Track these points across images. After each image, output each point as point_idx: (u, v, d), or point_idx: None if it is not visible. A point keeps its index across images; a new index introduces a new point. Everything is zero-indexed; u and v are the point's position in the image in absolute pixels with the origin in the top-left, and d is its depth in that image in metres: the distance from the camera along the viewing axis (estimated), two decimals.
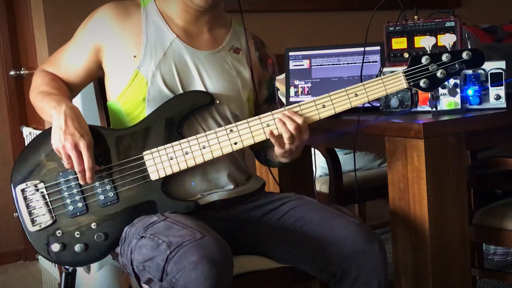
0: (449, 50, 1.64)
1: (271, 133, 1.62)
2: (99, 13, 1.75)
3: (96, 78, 1.85)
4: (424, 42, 1.67)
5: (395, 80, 1.64)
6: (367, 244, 1.59)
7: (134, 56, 1.71)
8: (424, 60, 1.63)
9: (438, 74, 1.63)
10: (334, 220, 1.65)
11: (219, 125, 1.71)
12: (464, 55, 1.62)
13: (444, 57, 1.62)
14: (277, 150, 1.67)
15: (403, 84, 1.63)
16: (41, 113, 1.73)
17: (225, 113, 1.75)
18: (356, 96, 1.64)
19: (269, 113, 1.64)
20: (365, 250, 1.59)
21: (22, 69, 3.51)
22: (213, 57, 1.77)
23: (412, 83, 1.63)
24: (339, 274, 1.62)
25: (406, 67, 1.64)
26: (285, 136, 1.61)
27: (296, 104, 1.64)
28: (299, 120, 1.61)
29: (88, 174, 1.59)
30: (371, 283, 1.60)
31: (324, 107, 1.64)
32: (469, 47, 2.16)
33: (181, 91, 1.71)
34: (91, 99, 1.99)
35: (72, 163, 1.58)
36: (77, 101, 2.34)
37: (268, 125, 1.63)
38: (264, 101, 1.90)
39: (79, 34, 1.77)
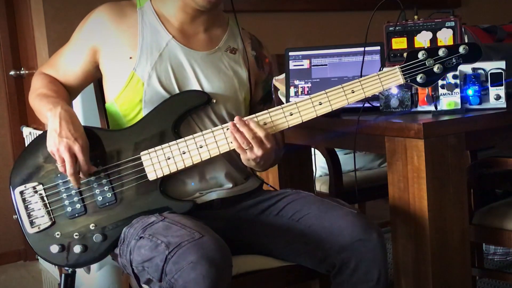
0: (445, 44, 1.63)
1: (234, 137, 1.60)
2: (95, 14, 1.75)
3: (95, 80, 1.85)
4: (421, 37, 1.66)
5: (391, 76, 1.62)
6: (366, 233, 1.59)
7: (130, 58, 1.70)
8: (420, 55, 1.61)
9: (435, 69, 1.61)
10: (332, 211, 1.65)
11: (216, 125, 1.70)
12: (461, 49, 1.61)
13: (441, 52, 1.61)
14: (241, 157, 1.65)
15: (400, 80, 1.62)
16: (39, 115, 1.73)
17: (222, 113, 1.75)
18: (353, 92, 1.63)
19: (266, 111, 1.64)
20: (364, 239, 1.58)
21: (22, 69, 3.51)
22: (209, 58, 1.76)
23: (409, 79, 1.62)
24: (338, 264, 1.62)
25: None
26: (241, 142, 1.59)
27: (293, 102, 1.63)
28: (261, 133, 1.59)
29: (83, 177, 1.59)
30: (371, 272, 1.59)
31: (321, 104, 1.63)
32: None
33: (177, 91, 1.71)
34: (91, 101, 1.99)
35: (65, 166, 1.58)
36: (77, 102, 2.35)
37: (265, 123, 1.63)
38: (258, 101, 1.89)
39: (76, 36, 1.77)
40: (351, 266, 1.60)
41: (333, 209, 1.66)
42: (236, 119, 1.61)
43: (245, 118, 1.63)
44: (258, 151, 1.60)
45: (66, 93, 1.76)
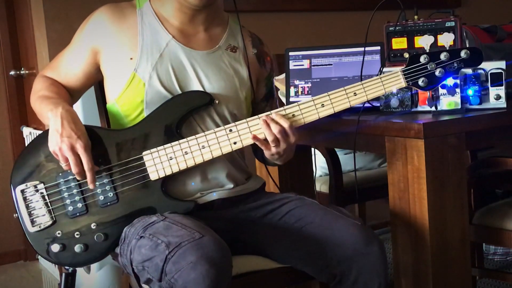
0: (447, 49, 1.64)
1: (255, 137, 1.62)
2: (95, 16, 1.76)
3: (96, 82, 1.85)
4: (423, 41, 1.67)
5: (394, 79, 1.64)
6: (367, 246, 1.59)
7: (131, 58, 1.70)
8: (422, 59, 1.63)
9: (437, 72, 1.63)
10: (335, 222, 1.65)
11: (218, 125, 1.71)
12: (463, 54, 1.62)
13: (443, 56, 1.63)
14: (265, 153, 1.67)
15: (402, 83, 1.63)
16: (40, 117, 1.73)
17: (224, 113, 1.75)
18: (355, 95, 1.64)
19: (268, 112, 1.64)
20: (365, 252, 1.59)
21: (22, 69, 3.51)
22: (209, 57, 1.76)
23: (410, 82, 1.64)
24: (339, 275, 1.62)
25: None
26: (269, 139, 1.61)
27: (295, 104, 1.64)
28: (285, 124, 1.61)
29: (88, 175, 1.59)
30: (371, 284, 1.60)
31: (323, 106, 1.64)
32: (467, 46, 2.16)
33: (178, 91, 1.71)
34: (91, 101, 1.99)
35: (70, 165, 1.58)
36: (77, 103, 2.34)
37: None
38: (262, 99, 1.90)
39: (77, 38, 1.78)
40: (351, 278, 1.61)
41: (337, 220, 1.66)
42: (264, 116, 1.62)
43: (250, 118, 1.64)
44: (283, 145, 1.62)
45: (67, 94, 1.76)
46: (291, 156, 1.74)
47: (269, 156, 1.69)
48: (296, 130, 1.63)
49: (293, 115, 1.64)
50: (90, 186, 1.60)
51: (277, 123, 1.61)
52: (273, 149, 1.63)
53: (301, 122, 1.64)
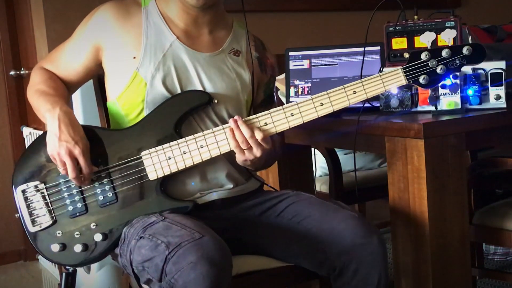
0: (449, 45, 1.62)
1: (233, 136, 1.61)
2: (100, 12, 1.75)
3: (95, 76, 1.85)
4: (424, 38, 1.65)
5: (394, 77, 1.62)
6: (366, 237, 1.59)
7: (134, 57, 1.70)
8: (423, 56, 1.60)
9: (438, 70, 1.60)
10: (333, 214, 1.65)
11: (217, 126, 1.70)
12: (465, 50, 1.59)
13: (444, 53, 1.60)
14: (237, 157, 1.65)
15: (402, 81, 1.61)
16: (36, 112, 1.73)
17: (222, 114, 1.74)
18: (355, 93, 1.62)
19: (267, 111, 1.64)
20: (364, 243, 1.59)
21: (22, 69, 3.51)
22: (212, 60, 1.76)
23: (411, 80, 1.61)
24: (338, 267, 1.62)
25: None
26: (239, 140, 1.60)
27: (294, 103, 1.63)
28: (258, 135, 1.60)
29: (84, 180, 1.60)
30: (371, 275, 1.60)
31: (322, 105, 1.63)
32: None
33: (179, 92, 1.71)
34: (91, 99, 1.99)
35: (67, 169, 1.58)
36: (77, 101, 2.35)
37: (266, 124, 1.63)
38: (259, 104, 1.88)
39: (79, 33, 1.77)
40: (351, 270, 1.60)
41: (334, 212, 1.66)
42: (236, 117, 1.61)
43: (246, 119, 1.63)
44: (257, 152, 1.61)
45: (65, 90, 1.75)
46: (262, 163, 1.72)
47: (242, 162, 1.67)
48: (269, 138, 1.63)
49: (292, 114, 1.63)
50: (80, 184, 1.62)
51: (249, 128, 1.60)
52: (246, 154, 1.62)
53: (299, 121, 1.62)
